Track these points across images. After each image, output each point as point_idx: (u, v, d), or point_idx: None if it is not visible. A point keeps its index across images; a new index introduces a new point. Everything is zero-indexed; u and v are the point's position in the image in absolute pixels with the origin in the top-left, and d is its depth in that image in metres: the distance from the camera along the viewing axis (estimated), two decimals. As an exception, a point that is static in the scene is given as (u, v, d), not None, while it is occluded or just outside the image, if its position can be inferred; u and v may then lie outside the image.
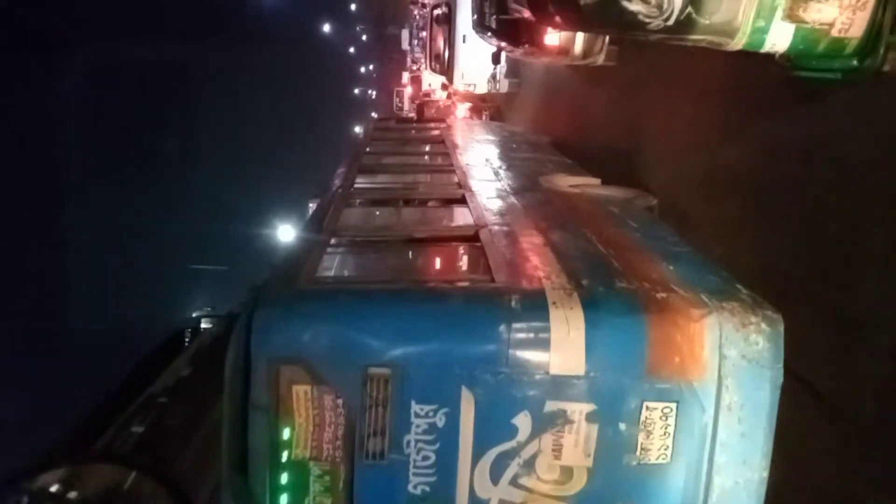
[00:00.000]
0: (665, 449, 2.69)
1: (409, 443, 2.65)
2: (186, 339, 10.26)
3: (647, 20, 2.91)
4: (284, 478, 2.70)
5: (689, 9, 2.85)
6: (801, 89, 3.50)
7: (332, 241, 3.77)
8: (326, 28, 67.62)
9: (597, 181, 5.71)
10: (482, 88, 14.61)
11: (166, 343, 10.40)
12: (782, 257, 4.04)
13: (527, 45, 8.46)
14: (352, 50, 77.31)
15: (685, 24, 2.88)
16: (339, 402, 2.65)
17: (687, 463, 2.70)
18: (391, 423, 2.64)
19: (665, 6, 2.86)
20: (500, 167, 6.04)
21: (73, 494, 6.32)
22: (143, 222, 47.58)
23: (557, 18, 3.29)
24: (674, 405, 2.66)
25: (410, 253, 3.87)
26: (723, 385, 2.67)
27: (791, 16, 2.82)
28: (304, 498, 2.71)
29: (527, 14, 3.85)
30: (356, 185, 5.25)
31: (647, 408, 2.66)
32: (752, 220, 4.45)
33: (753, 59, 3.19)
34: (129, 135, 54.29)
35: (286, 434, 2.66)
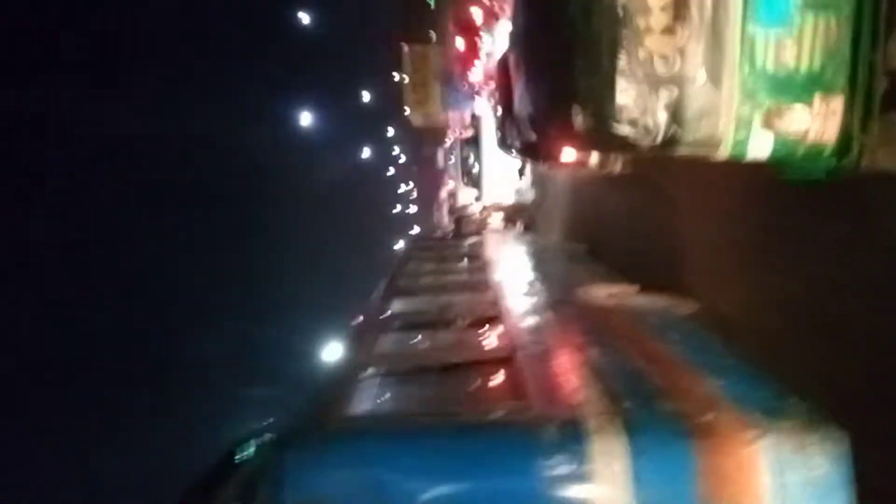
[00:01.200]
0: None
1: None
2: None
3: (637, 141, 3.19)
4: None
5: (674, 127, 3.13)
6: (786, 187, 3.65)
7: (365, 372, 3.78)
8: (366, 153, 70.88)
9: (634, 288, 5.64)
10: (510, 200, 15.55)
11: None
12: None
13: (548, 160, 8.94)
14: (391, 171, 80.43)
15: (672, 141, 3.14)
16: None
17: None
18: None
19: (651, 127, 3.14)
20: (534, 280, 6.15)
21: None
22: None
23: (560, 143, 3.62)
24: None
25: (444, 380, 3.76)
26: None
27: (768, 126, 3.07)
28: None
29: (535, 139, 4.20)
30: (391, 310, 5.35)
31: None
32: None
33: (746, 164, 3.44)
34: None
35: None
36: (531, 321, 4.43)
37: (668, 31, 3.08)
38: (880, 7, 2.88)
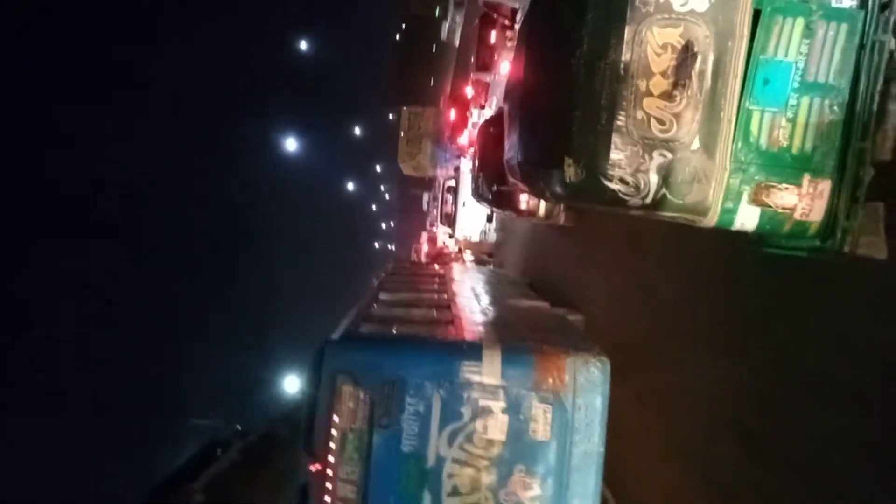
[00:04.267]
0: (546, 431, 4.53)
1: (403, 420, 4.53)
2: (218, 452, 12.00)
3: (626, 198, 3.20)
4: (332, 438, 4.54)
5: (664, 190, 3.14)
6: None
7: (368, 320, 6.18)
8: (351, 186, 70.61)
9: (546, 304, 8.34)
10: (476, 238, 20.30)
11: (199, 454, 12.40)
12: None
13: (507, 208, 11.02)
14: (374, 207, 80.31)
15: (660, 202, 3.16)
16: (367, 396, 4.56)
17: (558, 440, 4.53)
18: (394, 408, 4.54)
19: (642, 187, 3.16)
20: (479, 292, 8.52)
21: None
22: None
23: (547, 193, 3.62)
24: (550, 406, 4.54)
25: (414, 326, 6.28)
26: (576, 395, 4.55)
27: (756, 200, 3.10)
28: (345, 450, 4.54)
29: (520, 185, 4.22)
30: (380, 298, 7.58)
31: (535, 407, 4.53)
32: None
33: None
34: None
35: (336, 412, 4.55)
36: (469, 308, 6.94)
37: (667, 96, 3.12)
38: (873, 97, 2.95)
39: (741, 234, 3.29)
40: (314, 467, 4.65)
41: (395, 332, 6.00)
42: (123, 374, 50.01)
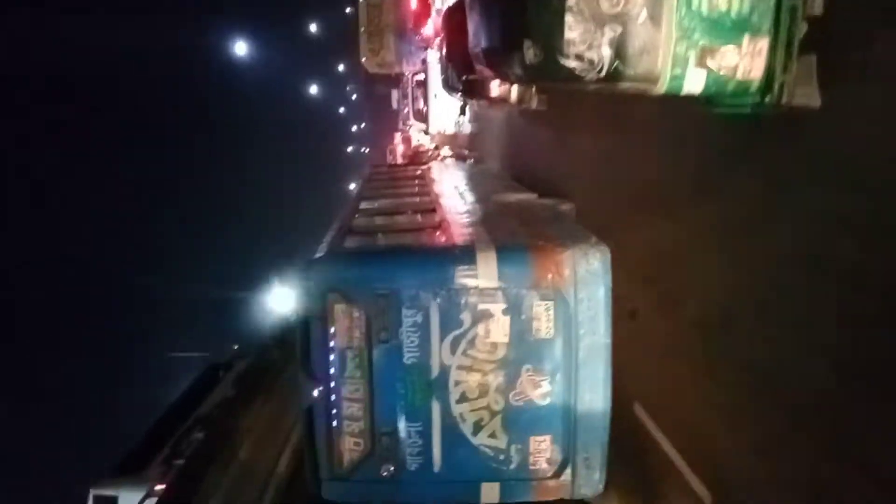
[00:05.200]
0: (549, 329, 4.51)
1: (402, 332, 4.48)
2: (220, 374, 12.13)
3: (583, 74, 3.43)
4: (331, 359, 4.52)
5: (616, 62, 3.38)
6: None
7: (351, 232, 5.90)
8: (314, 90, 68.04)
9: (534, 195, 8.02)
10: (451, 130, 20.13)
11: (200, 379, 12.49)
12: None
13: (478, 98, 11.04)
14: (342, 110, 78.43)
15: (614, 75, 3.40)
16: (362, 312, 4.48)
17: (563, 336, 4.50)
18: (391, 322, 4.48)
19: (596, 61, 3.38)
20: (463, 191, 8.21)
21: None
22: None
23: (511, 76, 3.84)
24: (552, 302, 4.48)
25: (401, 235, 6.03)
26: (578, 288, 4.47)
27: (701, 64, 3.35)
28: (346, 369, 4.53)
29: (486, 71, 4.43)
30: (361, 207, 7.41)
31: (537, 305, 4.49)
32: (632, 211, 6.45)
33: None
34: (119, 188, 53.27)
35: (331, 332, 4.49)
36: (455, 209, 6.55)
37: (614, -29, 3.30)
38: (804, -45, 3.16)
39: (690, 98, 3.56)
40: (317, 390, 4.61)
41: (381, 242, 5.74)
42: (94, 311, 48.12)
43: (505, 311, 4.46)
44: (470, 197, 7.69)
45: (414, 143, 27.51)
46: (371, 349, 4.51)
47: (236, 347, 14.79)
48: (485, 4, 4.12)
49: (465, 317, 4.47)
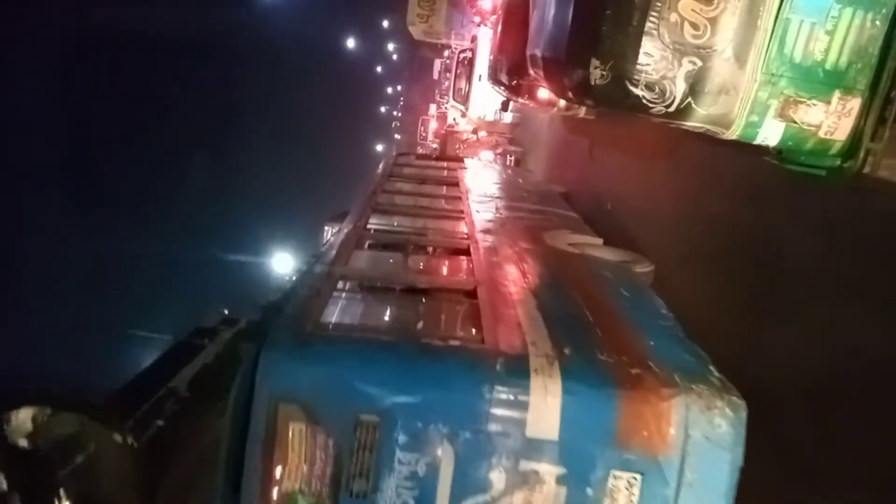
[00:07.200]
0: None
1: (390, 487, 2.89)
2: (205, 342, 11.10)
3: (650, 105, 3.14)
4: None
5: (689, 99, 3.08)
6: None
7: (339, 284, 4.04)
8: (353, 43, 66.96)
9: (599, 241, 6.09)
10: (490, 117, 18.79)
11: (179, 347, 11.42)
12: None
13: (525, 97, 10.11)
14: (380, 69, 77.56)
15: (685, 111, 3.12)
16: (331, 442, 2.89)
17: None
18: (376, 467, 2.88)
19: (667, 94, 3.10)
20: (507, 218, 6.36)
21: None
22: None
23: (570, 93, 3.55)
24: (639, 476, 2.88)
25: (411, 303, 4.03)
26: (686, 462, 2.87)
27: (782, 115, 3.05)
28: None
29: (542, 81, 4.11)
30: (369, 226, 5.54)
31: (615, 476, 2.88)
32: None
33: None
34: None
35: (279, 467, 2.89)
36: (497, 258, 4.71)
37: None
38: (918, 13, 2.83)
39: (761, 148, 3.26)
40: None
41: (383, 318, 3.98)
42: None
43: (562, 479, 2.90)
44: (516, 232, 5.73)
45: (449, 121, 26.74)
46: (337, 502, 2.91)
47: (226, 312, 14.44)
48: (555, 9, 3.80)
49: (496, 477, 2.92)
